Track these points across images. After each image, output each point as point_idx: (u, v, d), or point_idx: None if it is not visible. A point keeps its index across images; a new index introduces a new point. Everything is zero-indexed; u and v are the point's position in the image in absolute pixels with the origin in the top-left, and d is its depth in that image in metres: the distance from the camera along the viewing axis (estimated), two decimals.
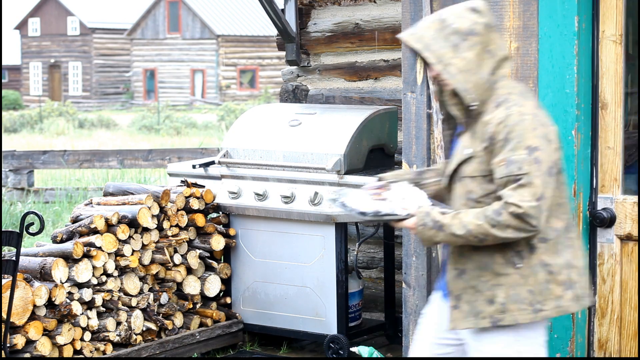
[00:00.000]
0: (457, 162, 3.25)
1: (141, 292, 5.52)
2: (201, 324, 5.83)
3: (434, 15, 3.25)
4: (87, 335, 5.19)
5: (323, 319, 5.57)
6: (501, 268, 3.18)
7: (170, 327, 5.62)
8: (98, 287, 5.30)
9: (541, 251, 3.18)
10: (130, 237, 5.45)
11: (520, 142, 3.09)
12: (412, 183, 3.46)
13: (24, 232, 4.40)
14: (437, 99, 3.42)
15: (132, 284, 5.46)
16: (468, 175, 3.22)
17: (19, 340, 4.86)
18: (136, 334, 5.43)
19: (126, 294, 5.44)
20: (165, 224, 5.63)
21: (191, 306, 5.78)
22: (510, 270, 3.17)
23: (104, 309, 5.32)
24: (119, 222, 5.40)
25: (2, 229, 4.50)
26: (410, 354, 3.50)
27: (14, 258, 4.49)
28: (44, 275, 5.04)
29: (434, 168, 3.64)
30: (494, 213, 3.08)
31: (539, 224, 3.08)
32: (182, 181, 5.92)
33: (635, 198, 4.06)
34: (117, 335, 5.31)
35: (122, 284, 5.42)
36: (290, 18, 6.36)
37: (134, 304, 5.43)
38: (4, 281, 4.68)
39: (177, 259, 5.68)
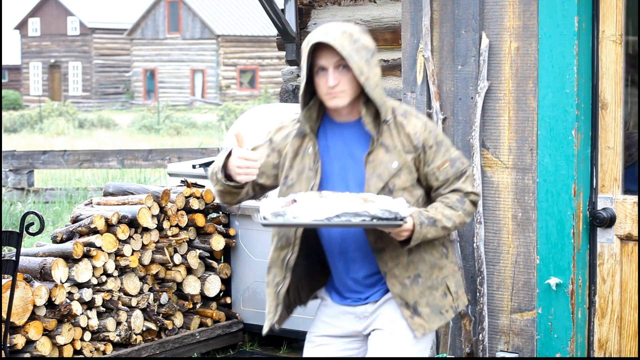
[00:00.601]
0: (386, 178, 3.23)
1: (141, 292, 5.53)
2: (201, 324, 5.84)
3: (336, 27, 3.18)
4: (87, 335, 5.19)
5: None
6: (441, 262, 3.35)
7: (170, 327, 5.62)
8: (98, 287, 5.31)
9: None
10: (130, 237, 5.45)
11: (447, 142, 3.33)
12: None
13: (24, 232, 4.40)
14: (308, 121, 3.28)
15: (132, 284, 5.46)
16: (400, 188, 3.25)
17: (19, 340, 4.86)
18: (136, 334, 5.43)
19: (126, 294, 5.44)
20: (165, 224, 5.63)
21: (191, 306, 5.78)
22: (445, 261, 3.36)
23: (104, 309, 5.32)
24: (119, 222, 5.40)
25: (2, 229, 4.50)
26: None
27: (14, 258, 4.49)
28: (44, 275, 5.04)
29: None
30: (460, 203, 3.29)
31: None
32: (182, 181, 5.92)
33: (635, 198, 4.06)
34: (117, 335, 5.31)
35: (122, 284, 5.42)
36: (290, 18, 6.36)
37: (134, 304, 5.43)
38: (4, 281, 4.68)
39: (177, 259, 5.69)
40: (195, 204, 5.77)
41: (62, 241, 5.35)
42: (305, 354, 3.49)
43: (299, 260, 3.37)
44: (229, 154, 3.21)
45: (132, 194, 5.76)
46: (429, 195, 3.36)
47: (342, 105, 3.22)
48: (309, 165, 3.29)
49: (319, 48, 3.19)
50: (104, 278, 5.32)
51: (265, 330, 3.48)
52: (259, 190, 3.40)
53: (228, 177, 3.24)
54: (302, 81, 3.20)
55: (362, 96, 3.23)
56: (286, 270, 3.33)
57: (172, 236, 5.67)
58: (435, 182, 3.29)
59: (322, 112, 3.31)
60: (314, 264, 3.44)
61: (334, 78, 3.17)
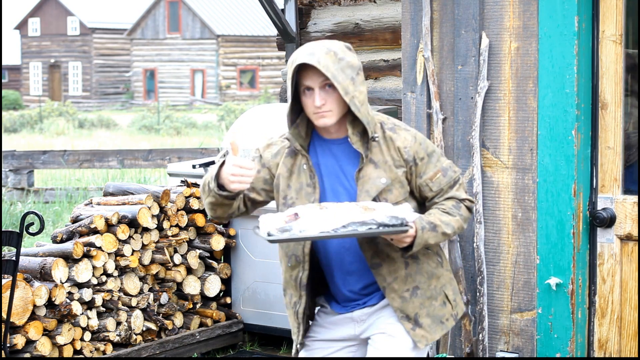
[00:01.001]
0: (374, 193, 3.22)
1: (141, 292, 5.53)
2: (201, 324, 5.84)
3: (321, 46, 3.17)
4: (87, 335, 5.19)
5: None
6: (437, 271, 3.36)
7: (170, 327, 5.62)
8: (98, 287, 5.31)
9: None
10: (130, 237, 5.45)
11: (438, 152, 3.33)
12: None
13: (24, 232, 4.40)
14: (297, 138, 3.28)
15: (132, 284, 5.46)
16: (392, 202, 3.25)
17: (19, 340, 4.86)
18: (136, 334, 5.43)
19: (126, 294, 5.44)
20: (165, 224, 5.63)
21: (191, 306, 5.78)
22: (441, 270, 3.37)
23: (104, 309, 5.32)
24: (119, 222, 5.40)
25: (2, 229, 4.50)
26: None
27: (14, 258, 4.49)
28: (44, 275, 5.04)
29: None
30: (456, 209, 3.30)
31: None
32: (182, 181, 5.92)
33: (635, 198, 4.06)
34: (117, 335, 5.31)
35: (122, 284, 5.42)
36: (290, 18, 6.36)
37: (134, 304, 5.43)
38: (4, 281, 4.68)
39: (177, 259, 5.69)
40: (195, 204, 5.77)
41: (62, 241, 5.35)
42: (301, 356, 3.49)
43: (312, 276, 3.38)
44: (222, 164, 3.21)
45: (132, 194, 5.76)
46: (423, 205, 3.36)
47: (330, 124, 3.22)
48: (306, 181, 3.29)
49: (304, 68, 3.18)
50: (104, 278, 5.32)
51: (293, 352, 3.49)
52: (251, 205, 3.41)
53: (221, 187, 3.23)
54: (289, 100, 3.20)
55: (348, 114, 3.23)
56: (300, 289, 3.34)
57: (172, 236, 5.67)
58: (429, 193, 3.30)
59: (310, 129, 3.31)
60: (320, 277, 3.45)
61: (320, 98, 3.16)
